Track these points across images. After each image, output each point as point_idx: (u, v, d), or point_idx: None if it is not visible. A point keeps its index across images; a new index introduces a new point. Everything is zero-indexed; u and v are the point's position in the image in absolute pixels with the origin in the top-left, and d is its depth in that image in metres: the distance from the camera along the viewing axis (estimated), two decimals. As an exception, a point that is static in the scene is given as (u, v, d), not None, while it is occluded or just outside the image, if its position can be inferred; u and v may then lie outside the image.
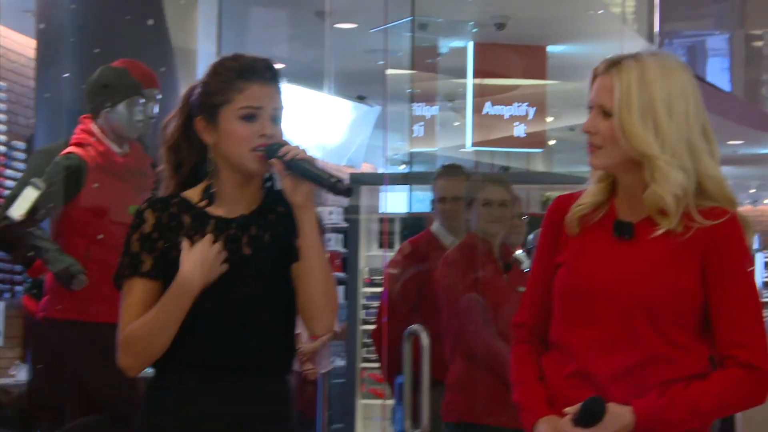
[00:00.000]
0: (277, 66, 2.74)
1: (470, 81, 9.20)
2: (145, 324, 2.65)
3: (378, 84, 8.22)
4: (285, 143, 2.64)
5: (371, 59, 8.97)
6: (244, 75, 2.66)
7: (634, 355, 2.59)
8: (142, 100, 4.73)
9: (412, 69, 6.54)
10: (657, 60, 2.63)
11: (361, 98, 9.21)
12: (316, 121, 8.39)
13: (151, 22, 5.34)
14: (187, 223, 2.70)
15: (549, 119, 10.05)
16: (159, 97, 4.86)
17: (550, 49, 9.30)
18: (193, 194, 2.74)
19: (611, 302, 2.61)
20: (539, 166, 11.67)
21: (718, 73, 10.69)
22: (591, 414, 2.54)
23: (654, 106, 2.58)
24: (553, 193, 11.53)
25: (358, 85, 9.27)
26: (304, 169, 2.62)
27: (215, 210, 2.72)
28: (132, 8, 5.38)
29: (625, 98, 2.59)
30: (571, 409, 2.56)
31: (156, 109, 4.83)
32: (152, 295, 2.67)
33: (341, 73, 8.70)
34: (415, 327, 4.49)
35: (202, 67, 6.62)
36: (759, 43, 9.56)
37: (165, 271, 2.67)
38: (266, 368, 2.73)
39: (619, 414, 2.54)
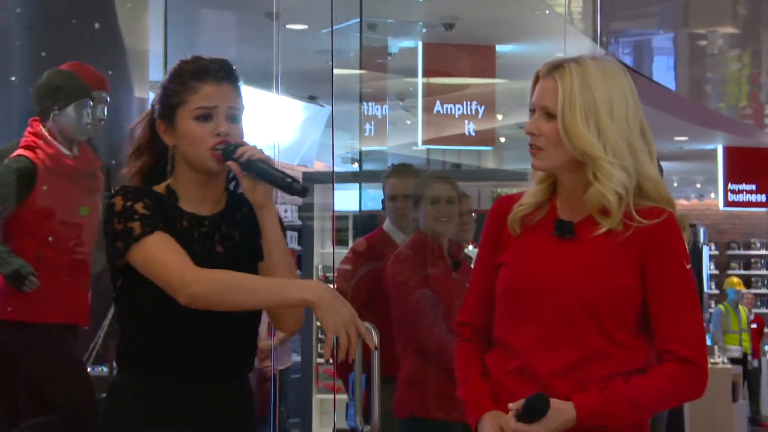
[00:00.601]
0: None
1: (420, 80, 9.19)
2: (245, 280, 2.58)
3: (329, 84, 8.20)
4: (242, 144, 2.62)
5: (322, 60, 8.96)
6: (198, 76, 2.66)
7: (575, 352, 2.60)
8: (91, 103, 4.70)
9: (361, 69, 6.51)
10: (597, 63, 2.65)
11: (312, 98, 9.20)
12: (268, 121, 8.36)
13: (97, 25, 5.30)
14: (168, 215, 2.67)
15: (499, 117, 10.07)
16: (107, 99, 4.83)
17: (498, 48, 9.31)
18: (159, 190, 2.72)
19: (552, 300, 2.62)
20: (490, 163, 11.71)
21: (663, 71, 10.78)
22: (534, 410, 2.55)
23: (596, 108, 2.60)
24: (504, 190, 11.65)
25: (309, 86, 9.26)
26: (260, 169, 2.61)
27: (187, 207, 2.70)
28: (79, 12, 5.33)
29: (568, 100, 2.61)
30: (514, 405, 2.57)
31: (105, 112, 4.80)
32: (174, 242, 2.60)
33: (292, 74, 8.67)
34: (366, 324, 4.47)
35: (153, 69, 6.63)
36: (703, 42, 9.64)
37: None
38: (229, 369, 2.72)
39: (561, 409, 2.55)
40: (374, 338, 4.41)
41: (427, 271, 4.87)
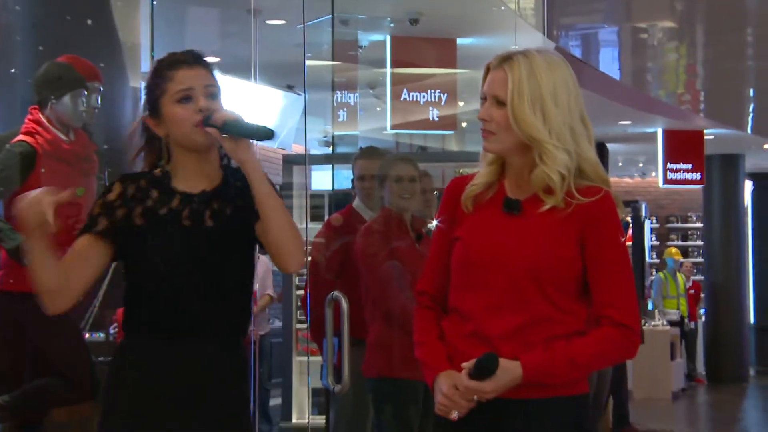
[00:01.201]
0: (207, 56, 2.75)
1: (389, 71, 9.17)
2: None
3: (304, 75, 8.18)
4: (216, 110, 2.64)
5: (299, 52, 8.93)
6: (172, 65, 2.69)
7: (521, 316, 2.62)
8: (86, 92, 4.68)
9: (334, 60, 6.49)
10: (543, 56, 2.67)
11: (290, 87, 9.18)
12: (249, 109, 8.34)
13: (90, 21, 5.28)
14: (155, 197, 2.70)
15: (460, 104, 10.04)
16: (101, 89, 4.80)
17: (459, 41, 9.30)
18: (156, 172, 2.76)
19: (501, 270, 2.64)
20: (453, 146, 11.69)
21: (608, 62, 10.76)
22: (485, 368, 2.57)
23: (542, 96, 2.62)
24: (466, 170, 11.63)
25: (288, 76, 9.22)
26: (233, 126, 2.62)
27: (181, 186, 2.72)
28: (74, 9, 5.32)
29: (517, 89, 2.62)
30: (467, 364, 2.59)
31: (98, 100, 4.77)
32: (94, 250, 2.70)
33: (271, 66, 8.65)
34: (336, 293, 4.49)
35: (145, 61, 6.60)
36: (644, 35, 9.63)
37: (120, 236, 2.69)
38: (222, 333, 2.72)
39: (509, 368, 2.57)
40: (343, 305, 4.45)
41: (392, 244, 4.88)
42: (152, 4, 4.70)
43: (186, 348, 2.67)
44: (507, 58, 2.67)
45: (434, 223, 5.70)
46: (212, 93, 2.69)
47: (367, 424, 5.04)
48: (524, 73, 2.63)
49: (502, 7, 8.76)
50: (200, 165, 2.72)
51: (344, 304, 4.27)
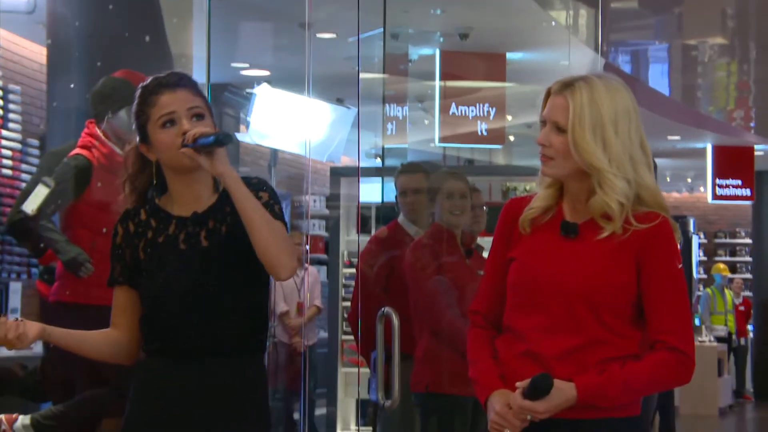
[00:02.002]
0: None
1: (438, 84, 9.18)
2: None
3: (355, 87, 8.21)
4: (188, 130, 2.63)
5: (348, 65, 8.96)
6: (155, 90, 2.69)
7: (576, 338, 2.62)
8: (142, 106, 4.71)
9: (384, 73, 6.51)
10: (604, 82, 2.65)
11: (340, 101, 9.20)
12: (301, 122, 8.38)
13: (147, 38, 5.35)
14: (154, 226, 2.73)
15: (508, 117, 10.05)
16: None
17: (509, 56, 9.29)
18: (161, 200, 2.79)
19: (557, 292, 2.64)
20: (500, 159, 11.66)
21: (658, 78, 10.74)
22: (539, 388, 2.56)
23: (603, 124, 2.61)
24: (513, 183, 11.62)
25: (337, 89, 9.26)
26: (202, 141, 2.61)
27: (176, 210, 2.73)
28: (131, 26, 5.39)
29: (578, 117, 2.62)
30: (521, 384, 2.59)
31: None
32: (122, 298, 2.80)
33: (321, 79, 8.68)
34: (387, 309, 4.50)
35: (197, 71, 6.65)
36: (694, 53, 9.59)
37: (132, 274, 2.75)
38: (229, 351, 2.71)
39: (563, 389, 2.57)
40: (394, 321, 4.44)
41: (442, 259, 4.88)
42: (209, 19, 4.73)
43: (193, 368, 2.68)
44: (568, 85, 2.66)
45: (483, 238, 5.73)
46: (197, 114, 2.68)
47: (414, 438, 5.03)
48: (585, 101, 2.62)
49: (552, 23, 8.75)
50: (192, 187, 2.72)
51: (395, 320, 4.27)
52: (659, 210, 2.65)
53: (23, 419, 4.61)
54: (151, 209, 2.75)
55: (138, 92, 2.73)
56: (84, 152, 4.60)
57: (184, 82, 2.71)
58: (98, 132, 4.65)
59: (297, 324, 9.07)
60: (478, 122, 9.34)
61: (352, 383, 8.95)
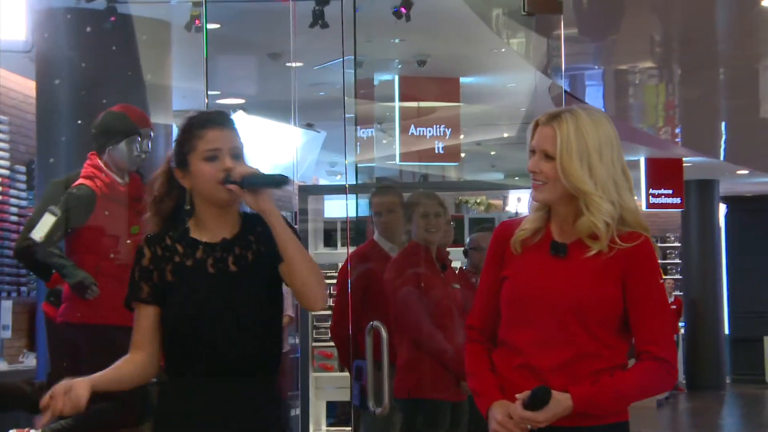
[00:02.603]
0: (234, 113, 2.78)
1: (397, 107, 9.25)
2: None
3: (321, 112, 8.26)
4: (233, 168, 2.66)
5: (315, 91, 9.02)
6: (203, 124, 2.71)
7: (569, 351, 2.66)
8: (139, 138, 4.72)
9: (355, 98, 6.57)
10: (587, 114, 2.71)
11: (309, 125, 9.22)
12: (273, 146, 8.40)
13: (130, 72, 5.36)
14: (181, 252, 2.73)
15: (461, 137, 10.14)
16: (152, 134, 4.85)
17: (462, 80, 9.40)
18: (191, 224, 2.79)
19: (548, 308, 2.67)
20: (452, 175, 11.74)
21: (595, 98, 10.87)
22: (539, 399, 2.59)
23: (588, 152, 2.66)
24: (465, 197, 11.64)
25: (308, 114, 9.30)
26: (251, 180, 2.64)
27: (203, 237, 2.74)
28: (113, 61, 5.41)
29: (565, 145, 2.67)
30: (521, 395, 2.62)
31: (149, 145, 4.82)
32: (148, 319, 2.75)
33: (290, 104, 8.69)
34: (376, 323, 4.53)
35: (176, 100, 6.65)
36: (626, 77, 9.78)
37: (160, 296, 2.73)
38: (255, 370, 2.72)
39: (560, 399, 2.60)
40: (383, 333, 4.48)
41: (420, 274, 4.92)
42: (206, 55, 4.75)
43: (221, 387, 2.68)
44: (555, 116, 2.70)
45: (460, 248, 5.76)
46: (237, 154, 2.71)
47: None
48: (572, 130, 2.67)
49: (503, 49, 8.86)
50: (221, 217, 2.74)
51: (384, 333, 4.31)
52: (640, 230, 2.70)
53: (34, 434, 4.60)
54: (175, 236, 2.75)
55: (185, 123, 2.75)
56: (88, 182, 4.60)
57: (229, 123, 2.75)
58: (100, 163, 4.65)
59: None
60: (435, 141, 9.42)
61: (321, 387, 8.96)
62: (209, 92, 9.29)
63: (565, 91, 9.75)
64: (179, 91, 7.16)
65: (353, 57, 5.87)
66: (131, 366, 2.77)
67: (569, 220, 2.72)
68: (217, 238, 2.73)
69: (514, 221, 2.84)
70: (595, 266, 2.67)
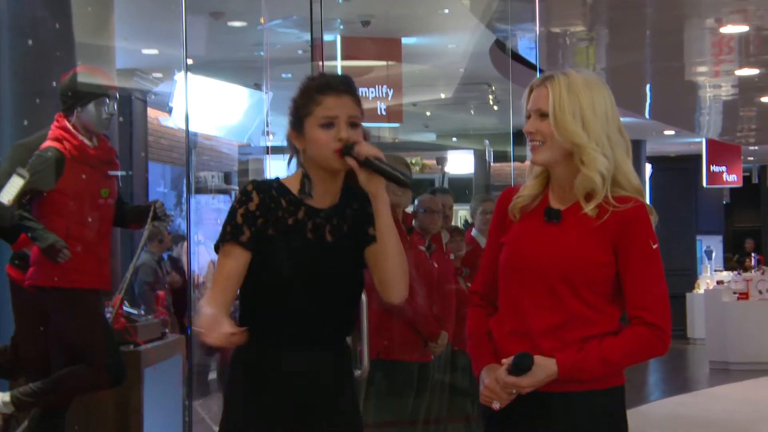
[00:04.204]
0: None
1: (339, 67, 9.23)
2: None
3: (267, 72, 8.23)
4: (359, 143, 2.63)
5: (257, 51, 8.97)
6: (321, 90, 2.66)
7: (559, 316, 2.68)
8: (107, 100, 4.68)
9: (312, 60, 6.55)
10: (581, 75, 2.74)
11: (257, 86, 9.17)
12: (220, 107, 8.36)
13: (57, 25, 5.29)
14: (284, 206, 2.68)
15: (404, 99, 10.18)
16: (117, 96, 4.81)
17: (404, 40, 9.43)
18: (289, 182, 2.72)
19: (540, 273, 2.70)
20: (386, 135, 11.79)
21: (528, 52, 10.98)
22: (521, 366, 2.63)
23: (581, 106, 2.69)
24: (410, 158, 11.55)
25: (253, 74, 9.23)
26: (374, 165, 2.63)
27: (306, 199, 2.71)
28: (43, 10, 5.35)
29: (557, 101, 2.70)
30: (506, 361, 2.66)
31: (115, 107, 4.77)
32: (242, 263, 2.64)
33: (237, 65, 8.66)
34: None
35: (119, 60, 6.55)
36: (559, 40, 9.92)
37: (258, 245, 2.65)
38: (333, 341, 2.72)
39: (544, 365, 2.63)
40: (363, 299, 4.52)
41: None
42: (185, 21, 4.70)
43: (297, 354, 2.66)
44: (548, 77, 2.74)
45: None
46: (353, 123, 2.67)
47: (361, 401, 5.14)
48: (564, 87, 2.70)
49: (446, 10, 8.92)
50: (327, 184, 2.71)
51: (364, 298, 4.37)
52: (635, 193, 2.72)
53: (3, 396, 4.57)
54: (280, 188, 2.68)
55: (304, 85, 2.69)
56: (56, 144, 4.54)
57: (350, 89, 2.69)
58: (68, 125, 4.60)
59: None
60: (378, 102, 9.45)
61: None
62: (145, 51, 9.23)
63: (510, 51, 9.87)
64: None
65: (312, 19, 5.87)
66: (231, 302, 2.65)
67: (566, 184, 2.75)
68: (319, 204, 2.71)
69: (517, 188, 2.87)
70: (586, 231, 2.70)
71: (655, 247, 2.73)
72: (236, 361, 2.72)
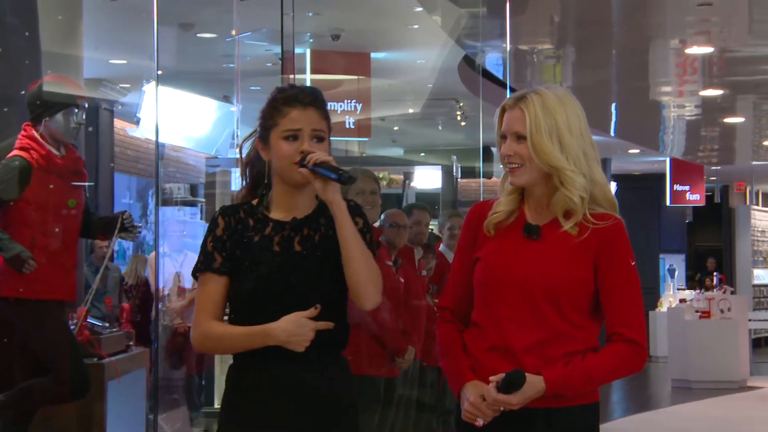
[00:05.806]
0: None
1: (308, 80, 9.23)
2: (222, 338, 2.64)
3: (235, 85, 8.20)
4: (312, 152, 2.62)
5: (228, 63, 8.94)
6: (288, 102, 2.65)
7: (541, 332, 2.67)
8: (76, 110, 4.63)
9: (282, 73, 6.54)
10: (552, 92, 2.72)
11: (226, 98, 9.14)
12: (188, 118, 8.31)
13: (27, 33, 5.23)
14: (251, 225, 2.69)
15: (373, 114, 10.20)
16: (86, 106, 4.75)
17: (373, 55, 9.44)
18: (262, 200, 2.73)
19: (521, 289, 2.69)
20: (355, 149, 11.80)
21: (495, 67, 11.02)
22: (513, 383, 2.61)
23: (558, 127, 2.68)
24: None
25: (222, 87, 9.20)
26: (322, 169, 2.61)
27: (274, 214, 2.70)
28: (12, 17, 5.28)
29: (533, 123, 2.68)
30: (495, 378, 2.63)
31: (84, 117, 4.72)
32: (220, 288, 2.67)
33: (206, 77, 8.61)
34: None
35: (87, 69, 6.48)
36: (525, 57, 9.98)
37: (231, 267, 2.67)
38: (317, 350, 2.67)
39: (533, 382, 2.62)
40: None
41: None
42: (156, 32, 4.66)
43: (281, 367, 2.64)
44: (521, 98, 2.71)
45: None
46: (318, 137, 2.67)
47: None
48: (539, 109, 2.68)
49: (416, 26, 8.94)
50: (295, 196, 2.71)
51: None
52: (610, 208, 2.73)
53: (-36, 410, 4.49)
54: (248, 209, 2.71)
55: (272, 96, 2.69)
56: (23, 154, 4.48)
57: (316, 103, 2.68)
58: (36, 134, 4.54)
59: (177, 306, 8.98)
60: (346, 116, 9.45)
61: (226, 361, 8.95)
62: (112, 61, 9.16)
63: (480, 68, 9.90)
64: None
65: (283, 32, 5.86)
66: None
67: (544, 201, 2.74)
68: (287, 217, 2.70)
69: (487, 202, 2.84)
70: (567, 247, 2.69)
71: (633, 264, 2.75)
72: (230, 376, 2.71)
